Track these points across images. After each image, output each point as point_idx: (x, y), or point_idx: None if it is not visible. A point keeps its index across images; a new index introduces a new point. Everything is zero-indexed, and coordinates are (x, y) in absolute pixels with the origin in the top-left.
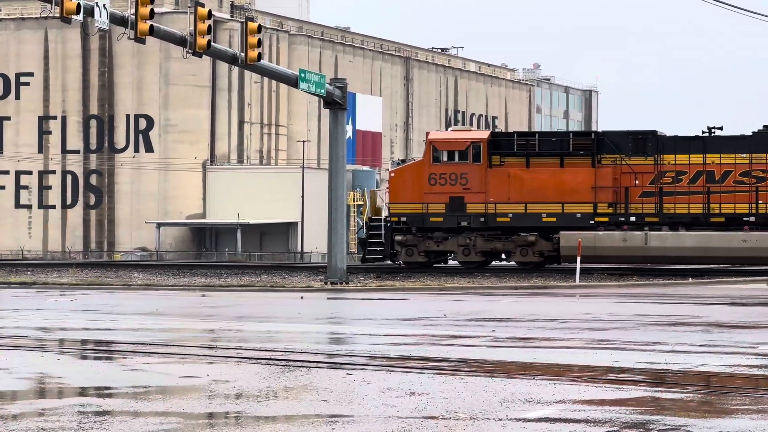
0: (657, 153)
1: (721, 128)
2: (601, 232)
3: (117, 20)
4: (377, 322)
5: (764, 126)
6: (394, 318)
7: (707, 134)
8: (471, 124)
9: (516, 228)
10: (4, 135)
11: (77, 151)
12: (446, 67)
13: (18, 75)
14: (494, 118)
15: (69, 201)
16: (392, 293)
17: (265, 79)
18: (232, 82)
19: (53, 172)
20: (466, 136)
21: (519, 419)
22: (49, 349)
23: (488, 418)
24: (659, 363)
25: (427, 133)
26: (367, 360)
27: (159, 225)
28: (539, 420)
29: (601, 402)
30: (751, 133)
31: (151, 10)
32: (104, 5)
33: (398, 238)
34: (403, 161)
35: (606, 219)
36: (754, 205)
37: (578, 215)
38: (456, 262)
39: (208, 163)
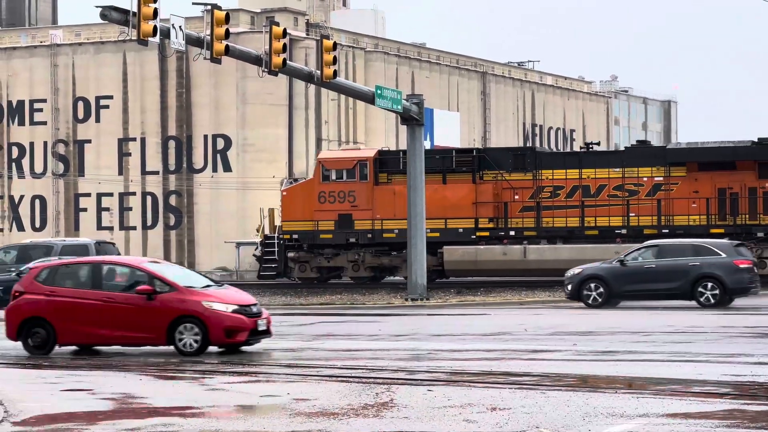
0: (536, 169)
1: (598, 143)
2: (482, 247)
3: (193, 41)
4: (458, 338)
5: (637, 141)
6: (474, 333)
7: (584, 150)
8: (549, 138)
9: (403, 244)
10: (86, 158)
11: (156, 173)
12: (523, 81)
13: (98, 98)
14: (572, 131)
15: (149, 222)
16: (473, 308)
17: (342, 96)
18: (309, 100)
19: (133, 193)
20: (353, 154)
21: None
22: (130, 369)
23: None
24: (745, 375)
25: (317, 153)
26: (447, 376)
27: (238, 245)
28: None
29: (686, 415)
30: (623, 149)
31: (227, 31)
32: (180, 27)
33: (291, 254)
34: (295, 180)
35: (487, 233)
36: (626, 218)
37: (460, 230)
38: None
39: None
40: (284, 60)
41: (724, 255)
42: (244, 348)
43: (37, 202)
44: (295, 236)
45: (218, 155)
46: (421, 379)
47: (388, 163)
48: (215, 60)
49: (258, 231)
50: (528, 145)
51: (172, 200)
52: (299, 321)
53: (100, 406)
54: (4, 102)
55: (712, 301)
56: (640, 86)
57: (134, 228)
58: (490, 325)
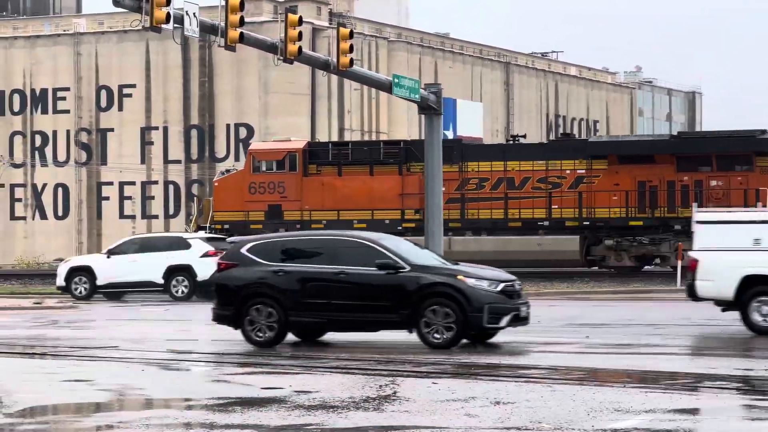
0: (462, 161)
1: (524, 136)
2: (408, 239)
3: (207, 28)
4: None
5: (562, 133)
6: None
7: (510, 142)
8: (572, 129)
9: None
10: (108, 146)
11: (179, 161)
12: (546, 72)
13: (120, 87)
14: (595, 122)
15: (171, 211)
16: None
17: (365, 86)
18: (332, 89)
19: (156, 182)
20: (283, 146)
21: (605, 430)
22: (134, 360)
23: (573, 429)
24: (759, 369)
25: (249, 144)
26: (454, 368)
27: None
28: (627, 430)
29: (694, 411)
30: (547, 141)
31: (241, 18)
32: (194, 14)
33: None
34: (228, 171)
35: (413, 225)
36: (548, 210)
37: (387, 221)
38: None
39: None
40: (300, 48)
41: None
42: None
43: (60, 190)
44: (226, 226)
45: (240, 144)
46: (427, 372)
47: (317, 154)
48: (230, 48)
49: (192, 221)
50: (552, 135)
51: (195, 189)
52: None
53: (97, 397)
54: (27, 90)
55: None
56: (665, 77)
57: (156, 217)
58: None
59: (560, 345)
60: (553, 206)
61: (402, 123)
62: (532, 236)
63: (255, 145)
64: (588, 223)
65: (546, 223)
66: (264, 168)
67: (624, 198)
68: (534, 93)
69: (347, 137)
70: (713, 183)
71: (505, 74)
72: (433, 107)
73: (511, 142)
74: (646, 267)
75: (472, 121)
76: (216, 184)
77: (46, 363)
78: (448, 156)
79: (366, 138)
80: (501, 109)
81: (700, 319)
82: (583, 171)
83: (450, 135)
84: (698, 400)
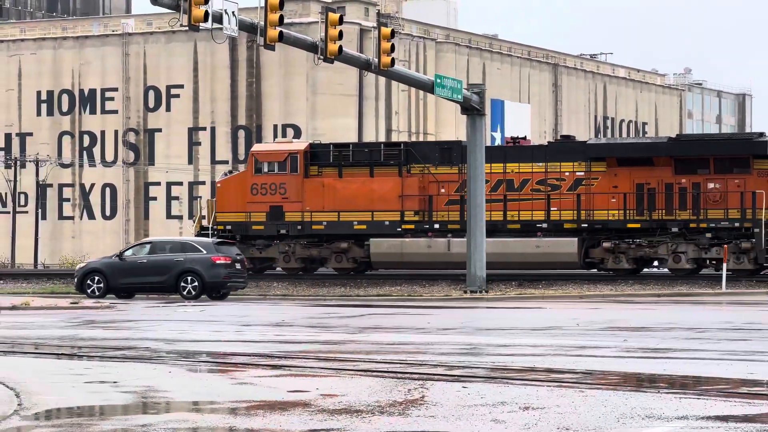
0: (462, 162)
1: (524, 138)
2: (407, 240)
3: (246, 27)
4: (506, 332)
5: (562, 136)
6: (524, 327)
7: (511, 144)
8: (620, 130)
9: (331, 235)
10: (156, 147)
11: (226, 162)
12: (595, 74)
13: (168, 87)
14: (644, 124)
15: None
16: (530, 301)
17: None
18: (379, 90)
19: (203, 182)
20: (284, 147)
21: None
22: (164, 362)
23: None
24: None
25: (251, 146)
26: (486, 372)
27: None
28: None
29: (728, 418)
30: (547, 143)
31: (281, 17)
32: (233, 12)
33: None
34: (230, 172)
35: (412, 226)
36: (547, 212)
37: (386, 223)
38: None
39: None
40: (340, 47)
41: (204, 252)
42: (285, 340)
43: (108, 190)
44: (229, 227)
45: None
46: (458, 375)
47: (318, 156)
48: (269, 47)
49: (194, 221)
50: (600, 137)
51: None
52: (350, 313)
53: (119, 399)
54: (76, 90)
55: (194, 293)
56: (715, 79)
57: (204, 217)
58: (542, 318)
59: (597, 349)
60: (551, 208)
61: (450, 124)
62: (530, 238)
63: (257, 146)
64: (586, 225)
65: (544, 225)
66: (266, 169)
67: (622, 200)
68: (582, 94)
69: (394, 138)
70: (711, 186)
71: (553, 76)
72: (476, 108)
73: (511, 144)
74: (660, 269)
75: (520, 123)
76: (218, 185)
77: (73, 364)
78: (448, 158)
79: (414, 139)
80: (549, 110)
81: (742, 323)
82: (582, 173)
83: (498, 136)
84: (733, 407)
